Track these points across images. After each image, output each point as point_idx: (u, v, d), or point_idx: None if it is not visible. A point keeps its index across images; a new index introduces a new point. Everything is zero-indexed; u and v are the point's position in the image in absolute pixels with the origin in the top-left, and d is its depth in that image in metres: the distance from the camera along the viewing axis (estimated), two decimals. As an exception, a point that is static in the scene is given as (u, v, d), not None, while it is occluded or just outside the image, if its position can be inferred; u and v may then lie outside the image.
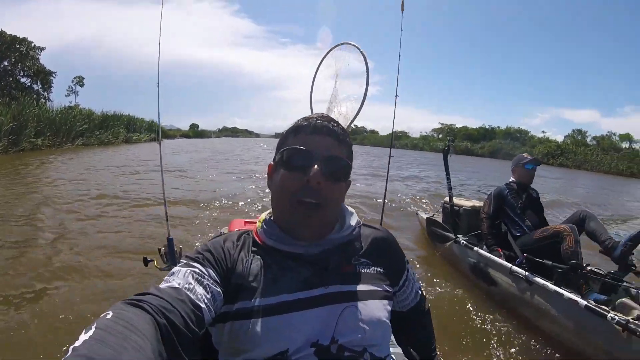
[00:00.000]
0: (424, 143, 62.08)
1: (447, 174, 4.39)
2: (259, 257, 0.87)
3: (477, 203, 4.63)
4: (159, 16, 2.82)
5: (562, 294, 2.68)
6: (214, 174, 12.05)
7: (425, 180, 14.29)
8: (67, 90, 45.55)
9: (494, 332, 3.07)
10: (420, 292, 1.11)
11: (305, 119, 0.91)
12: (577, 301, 2.56)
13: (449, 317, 3.29)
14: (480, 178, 17.36)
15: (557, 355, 2.76)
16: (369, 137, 77.45)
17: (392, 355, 0.91)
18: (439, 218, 5.10)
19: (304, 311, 0.80)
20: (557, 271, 2.95)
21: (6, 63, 30.52)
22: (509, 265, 3.26)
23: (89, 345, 0.49)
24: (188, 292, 0.70)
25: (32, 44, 32.27)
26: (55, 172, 10.57)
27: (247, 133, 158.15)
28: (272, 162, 0.95)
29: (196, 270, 0.77)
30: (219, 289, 0.77)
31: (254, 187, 9.67)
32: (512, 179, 3.83)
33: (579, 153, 41.77)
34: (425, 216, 5.44)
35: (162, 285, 0.71)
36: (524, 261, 3.20)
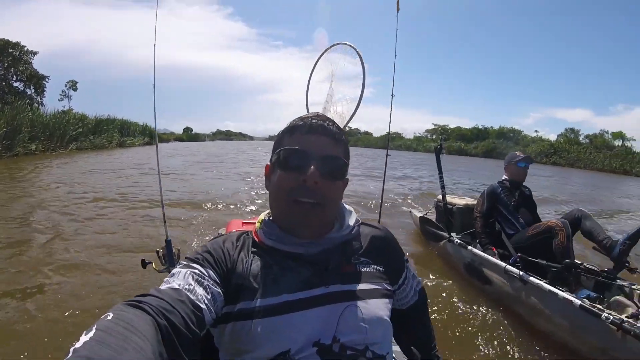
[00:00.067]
0: (418, 144, 62.25)
1: (440, 172, 4.39)
2: (259, 257, 0.87)
3: (470, 201, 4.64)
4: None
5: (557, 294, 2.68)
6: (210, 176, 12.10)
7: (419, 180, 14.42)
8: (61, 94, 45.42)
9: (489, 329, 3.07)
10: (419, 290, 1.11)
11: (301, 118, 0.91)
12: (571, 301, 2.56)
13: (444, 314, 3.28)
14: (472, 177, 17.49)
15: (552, 353, 2.76)
16: (363, 139, 77.53)
17: (393, 354, 0.91)
18: (432, 217, 5.12)
19: (305, 311, 0.80)
20: (551, 270, 2.96)
21: (-1, 67, 30.41)
22: (503, 264, 3.25)
23: (90, 346, 0.49)
24: (188, 293, 0.70)
25: (25, 48, 32.20)
26: (51, 176, 10.52)
27: (241, 136, 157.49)
28: (269, 163, 0.94)
29: (196, 271, 0.77)
30: (219, 290, 0.77)
31: (247, 188, 9.77)
32: (504, 176, 3.85)
33: (572, 151, 42.07)
34: (418, 215, 5.44)
35: (163, 287, 0.71)
36: (518, 260, 3.20)
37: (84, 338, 0.51)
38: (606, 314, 2.33)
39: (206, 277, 0.77)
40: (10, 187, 8.46)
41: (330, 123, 0.90)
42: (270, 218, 0.94)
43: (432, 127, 72.66)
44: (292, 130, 0.90)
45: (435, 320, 3.05)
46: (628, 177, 31.31)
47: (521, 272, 3.04)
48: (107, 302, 3.24)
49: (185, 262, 0.80)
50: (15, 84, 31.83)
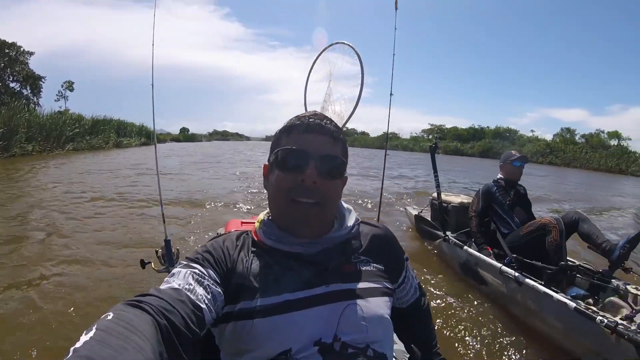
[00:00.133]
0: (414, 144, 62.32)
1: (435, 170, 4.34)
2: (259, 257, 0.87)
3: (465, 199, 4.62)
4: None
5: (552, 296, 2.66)
6: (207, 176, 12.12)
7: (414, 179, 14.50)
8: (57, 95, 45.08)
9: (484, 328, 3.06)
10: (419, 288, 1.12)
11: (298, 117, 0.90)
12: (566, 303, 2.54)
13: (439, 312, 3.29)
14: (467, 176, 17.62)
15: (547, 354, 2.75)
16: (360, 139, 77.49)
17: (394, 352, 0.91)
18: (427, 214, 5.11)
19: (306, 310, 0.80)
20: (546, 272, 2.95)
21: (-5, 68, 30.28)
22: (499, 265, 3.24)
23: (90, 346, 0.49)
24: (188, 293, 0.70)
25: (22, 49, 32.01)
26: (49, 176, 10.50)
27: (238, 136, 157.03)
28: (267, 163, 0.94)
29: (196, 271, 0.77)
30: (219, 290, 0.77)
31: (243, 187, 9.85)
32: (500, 175, 3.84)
33: (568, 151, 42.29)
34: (414, 213, 5.43)
35: (163, 287, 0.71)
36: (513, 260, 3.19)
37: (84, 338, 0.51)
38: (600, 317, 2.31)
39: (206, 277, 0.76)
40: (9, 187, 8.47)
41: (328, 121, 0.90)
42: (270, 218, 0.94)
43: (429, 126, 72.84)
44: (290, 129, 0.89)
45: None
46: (623, 176, 31.48)
47: (516, 274, 3.02)
48: (110, 293, 3.33)
49: (185, 262, 0.80)
50: (12, 85, 31.70)
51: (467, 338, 2.94)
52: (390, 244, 1.02)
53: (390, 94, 3.24)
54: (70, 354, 0.48)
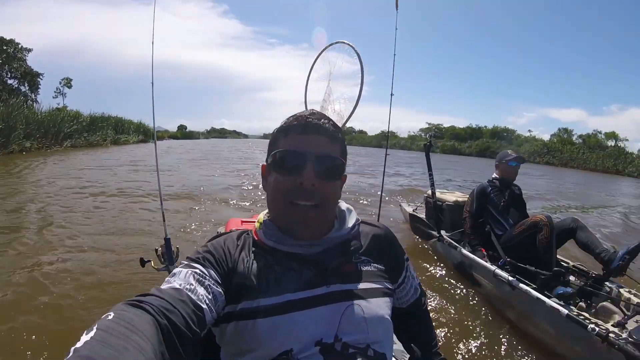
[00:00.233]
0: (412, 143, 62.23)
1: (430, 169, 4.25)
2: (260, 257, 0.87)
3: (460, 197, 4.57)
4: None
5: (544, 302, 2.64)
6: (205, 174, 12.13)
7: (410, 177, 14.68)
8: (55, 92, 45.15)
9: (478, 328, 3.07)
10: (419, 289, 1.11)
11: (296, 117, 0.88)
12: (558, 310, 2.52)
13: (433, 311, 3.28)
14: (463, 175, 17.72)
15: (539, 357, 2.74)
16: (357, 138, 77.18)
17: (394, 352, 0.91)
18: (422, 212, 5.06)
19: (307, 310, 0.80)
20: (539, 277, 2.92)
21: (-7, 65, 30.22)
22: (493, 267, 3.21)
23: (90, 346, 0.49)
24: (189, 293, 0.70)
25: (20, 46, 32.02)
26: (48, 172, 10.52)
27: (236, 134, 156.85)
28: (264, 163, 0.94)
29: (197, 271, 0.77)
30: (220, 290, 0.77)
31: (240, 183, 9.97)
32: (495, 175, 3.81)
33: (565, 151, 42.29)
34: (409, 210, 5.36)
35: (163, 286, 0.71)
36: (507, 263, 3.17)
37: (84, 337, 0.51)
38: (592, 326, 2.28)
39: (207, 277, 0.76)
40: (8, 183, 8.50)
41: (326, 121, 0.88)
42: (269, 218, 0.93)
43: (426, 126, 72.59)
44: (287, 130, 0.88)
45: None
46: (620, 177, 31.52)
47: (510, 277, 2.99)
48: (115, 278, 3.54)
49: (186, 262, 0.80)
50: (10, 81, 31.67)
51: (459, 337, 2.94)
52: (391, 244, 1.02)
53: (391, 94, 3.23)
54: (71, 353, 0.48)
